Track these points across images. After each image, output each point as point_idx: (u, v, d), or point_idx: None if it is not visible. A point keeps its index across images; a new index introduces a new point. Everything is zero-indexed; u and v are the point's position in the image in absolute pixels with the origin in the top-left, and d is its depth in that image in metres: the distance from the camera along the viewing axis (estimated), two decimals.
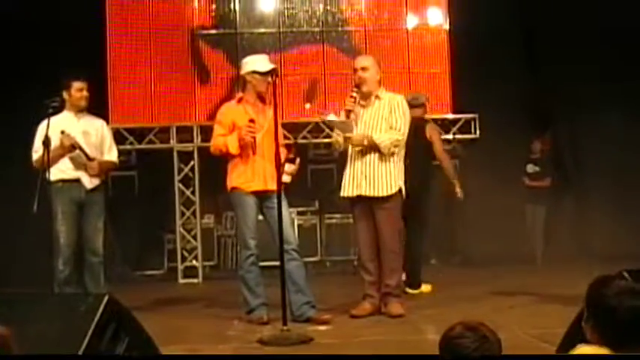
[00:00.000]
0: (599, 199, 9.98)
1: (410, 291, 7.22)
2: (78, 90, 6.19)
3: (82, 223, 6.11)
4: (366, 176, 5.96)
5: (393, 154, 5.96)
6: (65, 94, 6.16)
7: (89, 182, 6.14)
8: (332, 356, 4.65)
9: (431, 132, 7.60)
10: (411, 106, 7.44)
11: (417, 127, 7.34)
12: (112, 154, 6.42)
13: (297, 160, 5.95)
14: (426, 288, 7.44)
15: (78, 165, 6.10)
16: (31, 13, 9.08)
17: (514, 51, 10.33)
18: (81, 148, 6.07)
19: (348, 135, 5.97)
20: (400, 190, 6.04)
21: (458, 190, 7.77)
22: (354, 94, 5.98)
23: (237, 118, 5.92)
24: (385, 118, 5.98)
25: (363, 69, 6.05)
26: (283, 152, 5.85)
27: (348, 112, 5.94)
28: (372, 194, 5.96)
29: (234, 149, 5.87)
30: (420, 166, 7.20)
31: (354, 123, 5.98)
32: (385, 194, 5.95)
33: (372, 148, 5.94)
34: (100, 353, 2.96)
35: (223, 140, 5.92)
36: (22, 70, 8.89)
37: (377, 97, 6.05)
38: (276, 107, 5.54)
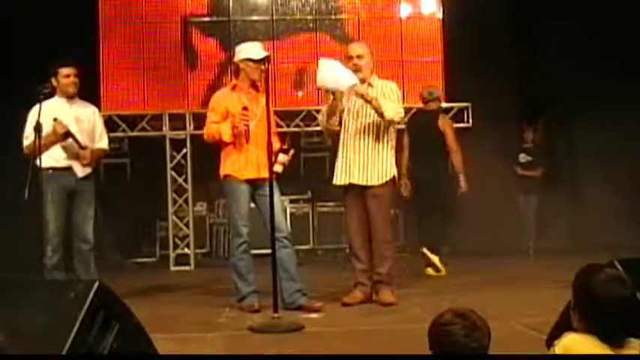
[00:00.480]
0: (592, 188, 9.98)
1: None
2: (65, 76, 6.14)
3: (72, 211, 6.09)
4: (358, 165, 5.95)
5: (387, 141, 5.97)
6: (54, 81, 6.12)
7: (81, 171, 6.11)
8: (324, 356, 4.59)
9: (443, 123, 7.84)
10: (427, 100, 7.86)
11: (432, 119, 7.61)
12: (103, 142, 6.39)
13: (291, 151, 5.93)
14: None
15: (70, 154, 6.07)
16: (23, 1, 9.02)
17: (507, 40, 10.30)
18: (73, 137, 6.04)
19: (352, 84, 5.76)
20: (393, 179, 6.05)
21: (462, 184, 7.84)
22: None
23: (231, 105, 5.90)
24: None
25: (359, 57, 6.03)
26: (276, 141, 5.84)
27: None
28: (364, 183, 5.96)
29: (227, 137, 5.85)
30: (435, 155, 7.60)
31: (355, 76, 5.83)
32: (377, 183, 5.95)
33: (366, 133, 5.94)
34: (90, 340, 2.94)
35: (217, 128, 5.90)
36: (15, 59, 8.84)
37: (369, 84, 6.03)
38: (268, 95, 5.51)
